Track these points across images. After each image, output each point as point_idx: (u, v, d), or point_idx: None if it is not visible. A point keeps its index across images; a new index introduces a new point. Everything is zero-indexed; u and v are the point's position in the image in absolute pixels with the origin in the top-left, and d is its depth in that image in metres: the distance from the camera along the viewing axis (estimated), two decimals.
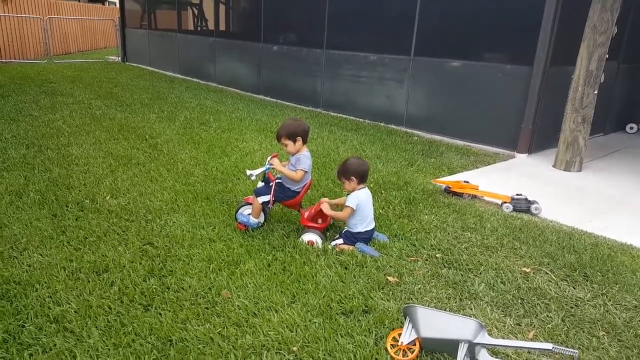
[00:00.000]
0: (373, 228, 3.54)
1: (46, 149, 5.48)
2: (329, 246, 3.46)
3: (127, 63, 15.90)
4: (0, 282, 2.81)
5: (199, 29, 13.76)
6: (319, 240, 3.48)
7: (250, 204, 3.66)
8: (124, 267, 3.06)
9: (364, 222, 3.46)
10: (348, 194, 3.52)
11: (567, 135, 5.76)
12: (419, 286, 3.00)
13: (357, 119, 8.33)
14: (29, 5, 16.80)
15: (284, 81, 10.00)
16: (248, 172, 3.46)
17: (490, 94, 6.65)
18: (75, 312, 2.57)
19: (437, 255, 3.40)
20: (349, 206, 3.42)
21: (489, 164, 5.98)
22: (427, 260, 3.35)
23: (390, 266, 3.21)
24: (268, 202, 3.59)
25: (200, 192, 4.39)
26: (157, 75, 12.91)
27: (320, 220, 3.65)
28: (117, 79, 11.74)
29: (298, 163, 3.46)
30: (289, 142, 3.46)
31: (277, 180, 3.59)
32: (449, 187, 4.65)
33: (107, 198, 4.16)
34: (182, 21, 13.66)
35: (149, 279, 2.94)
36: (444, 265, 3.28)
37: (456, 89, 7.06)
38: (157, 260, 3.17)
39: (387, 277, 3.07)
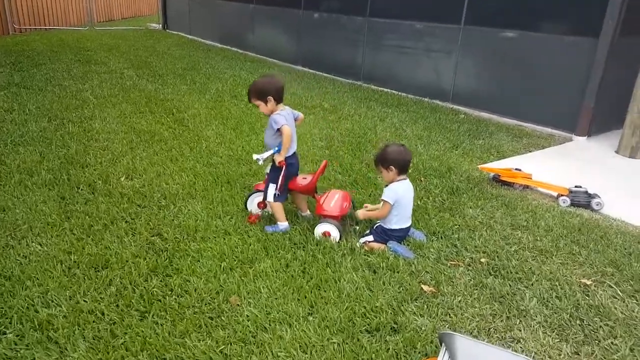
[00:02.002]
0: (409, 226, 3.09)
1: (68, 122, 5.28)
2: (358, 244, 3.05)
3: (168, 31, 15.70)
4: None
5: None
6: (336, 232, 3.07)
7: (262, 190, 3.28)
8: (126, 262, 2.77)
9: (401, 218, 3.03)
10: (386, 185, 3.07)
11: (635, 118, 5.03)
12: (459, 298, 2.56)
13: (399, 93, 7.72)
14: None
15: (323, 51, 9.44)
16: (255, 156, 3.01)
17: (548, 69, 5.88)
18: (64, 317, 2.30)
19: (482, 259, 2.92)
20: (386, 201, 2.98)
21: (543, 148, 5.32)
22: (469, 265, 2.88)
23: (427, 271, 2.77)
24: (284, 195, 3.20)
25: (221, 175, 4.05)
26: (196, 44, 12.61)
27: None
28: (155, 47, 11.52)
29: (275, 123, 2.98)
30: (260, 103, 3.03)
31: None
32: (498, 176, 4.09)
33: (122, 179, 3.90)
34: None
35: (151, 279, 2.64)
36: (490, 273, 2.80)
37: (510, 62, 6.31)
38: (163, 255, 2.87)
39: (422, 286, 2.63)
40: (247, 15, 11.60)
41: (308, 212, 3.45)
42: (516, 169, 4.14)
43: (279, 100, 3.06)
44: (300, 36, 9.96)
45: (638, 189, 4.24)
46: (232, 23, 12.44)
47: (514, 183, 4.01)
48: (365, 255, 2.93)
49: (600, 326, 2.42)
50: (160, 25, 16.18)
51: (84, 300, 2.43)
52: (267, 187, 3.17)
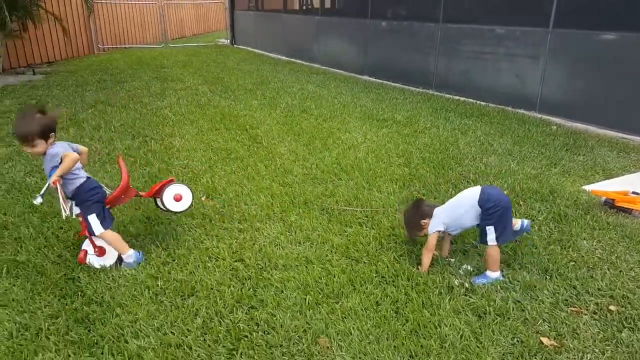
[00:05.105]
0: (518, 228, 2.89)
1: (150, 139, 5.37)
2: (466, 284, 2.70)
3: (236, 46, 16.11)
4: (82, 302, 2.55)
5: (304, 7, 13.34)
6: (187, 191, 3.13)
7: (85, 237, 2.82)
8: (212, 290, 2.64)
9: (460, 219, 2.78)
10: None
11: None
12: (589, 356, 2.16)
13: (478, 102, 7.26)
14: None
15: (392, 60, 9.16)
16: (36, 201, 2.57)
17: None
18: (152, 350, 2.19)
19: (611, 307, 2.48)
20: (434, 232, 2.79)
21: None
22: (595, 313, 2.46)
23: (543, 319, 2.39)
24: (108, 219, 2.83)
25: (298, 195, 3.88)
26: (263, 58, 12.78)
27: None
28: (225, 62, 11.79)
29: (56, 151, 2.61)
30: (41, 142, 2.61)
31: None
32: (612, 201, 3.58)
33: (203, 198, 3.83)
34: (288, 0, 13.32)
35: (236, 310, 2.48)
36: (623, 325, 2.36)
37: (609, 67, 5.69)
38: (247, 283, 2.71)
39: (541, 338, 2.26)
40: (312, 27, 11.58)
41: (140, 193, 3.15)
42: (634, 193, 3.62)
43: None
44: (367, 45, 9.74)
45: None
46: (297, 36, 12.49)
47: (632, 209, 3.49)
48: (466, 295, 2.60)
49: None
50: (228, 41, 16.64)
51: (172, 332, 2.32)
52: (87, 221, 2.75)
